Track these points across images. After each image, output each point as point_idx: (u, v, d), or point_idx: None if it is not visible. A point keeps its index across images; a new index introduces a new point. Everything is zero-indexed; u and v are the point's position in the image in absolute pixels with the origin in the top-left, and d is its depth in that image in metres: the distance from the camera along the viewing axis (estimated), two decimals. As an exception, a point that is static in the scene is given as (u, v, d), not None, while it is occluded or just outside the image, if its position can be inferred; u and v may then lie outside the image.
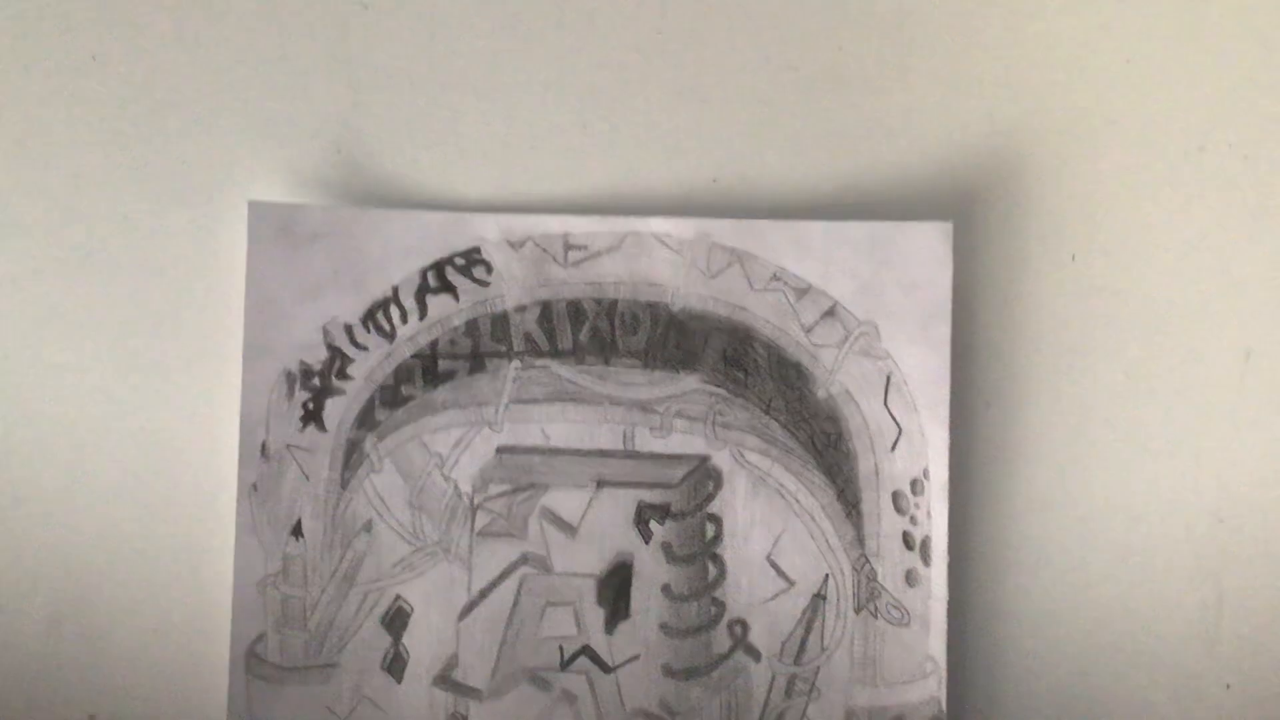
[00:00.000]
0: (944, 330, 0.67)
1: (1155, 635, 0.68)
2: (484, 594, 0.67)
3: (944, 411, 0.67)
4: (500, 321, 0.68)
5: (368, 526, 0.67)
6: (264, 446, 0.67)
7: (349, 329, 0.67)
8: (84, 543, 0.68)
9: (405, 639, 0.67)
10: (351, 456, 0.68)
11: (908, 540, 0.67)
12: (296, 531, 0.67)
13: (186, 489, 0.68)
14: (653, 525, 0.68)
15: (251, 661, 0.66)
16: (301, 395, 0.67)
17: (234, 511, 0.66)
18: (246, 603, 0.66)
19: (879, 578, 0.67)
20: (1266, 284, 0.69)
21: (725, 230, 0.68)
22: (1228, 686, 0.68)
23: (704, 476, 0.68)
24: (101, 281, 0.69)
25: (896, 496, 0.67)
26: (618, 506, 0.68)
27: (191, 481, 0.68)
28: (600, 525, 0.68)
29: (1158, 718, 0.68)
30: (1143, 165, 0.69)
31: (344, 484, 0.67)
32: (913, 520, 0.67)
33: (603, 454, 0.68)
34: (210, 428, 0.68)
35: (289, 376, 0.67)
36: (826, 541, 0.68)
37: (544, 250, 0.68)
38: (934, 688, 0.67)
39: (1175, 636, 0.68)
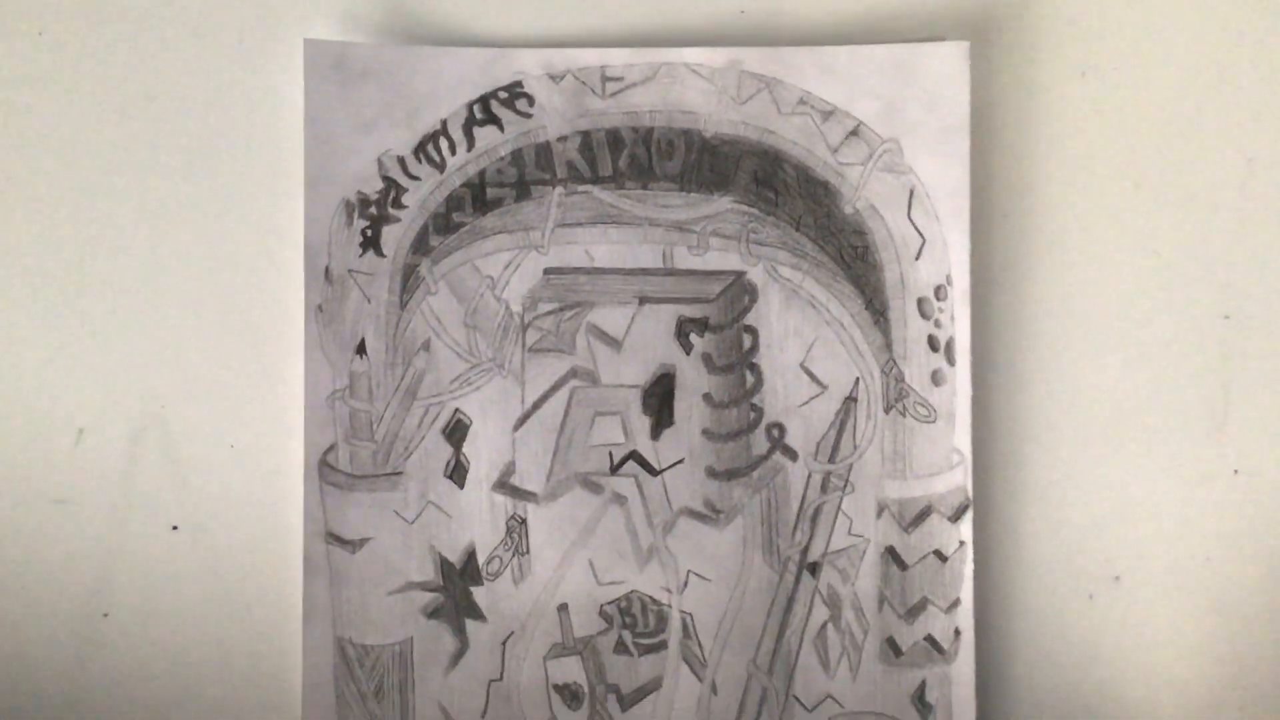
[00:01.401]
0: (963, 145, 0.71)
1: (1166, 424, 0.73)
2: (537, 406, 0.72)
3: (964, 221, 0.71)
4: (543, 151, 0.72)
5: (426, 345, 0.72)
6: (327, 271, 0.71)
7: (402, 160, 0.71)
8: (161, 362, 0.72)
9: (465, 448, 0.72)
10: (409, 280, 0.72)
11: (933, 343, 0.72)
12: (361, 350, 0.71)
13: (257, 311, 0.72)
14: (693, 338, 0.72)
15: (324, 470, 0.71)
16: (360, 223, 0.71)
17: (302, 332, 0.70)
18: (317, 416, 0.71)
19: (906, 379, 0.72)
20: (1267, 96, 0.73)
21: (754, 58, 0.72)
22: (1235, 472, 0.73)
23: (740, 291, 0.72)
24: (167, 119, 0.72)
25: (921, 303, 0.72)
26: (659, 321, 0.72)
27: (261, 304, 0.72)
28: (643, 339, 0.72)
29: (1169, 500, 0.73)
30: (1147, -13, 0.73)
31: (403, 305, 0.72)
32: (937, 324, 0.72)
33: (644, 272, 0.72)
34: (276, 254, 0.72)
35: (348, 205, 0.71)
36: (856, 347, 0.72)
37: (582, 82, 0.72)
38: (960, 478, 0.71)
39: (1184, 426, 0.73)
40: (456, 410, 0.72)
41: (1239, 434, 0.73)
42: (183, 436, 0.72)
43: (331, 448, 0.71)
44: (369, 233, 0.71)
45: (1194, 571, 0.73)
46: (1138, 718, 0.73)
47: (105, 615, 0.72)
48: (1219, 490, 0.73)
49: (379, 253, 0.71)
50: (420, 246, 0.72)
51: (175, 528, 0.72)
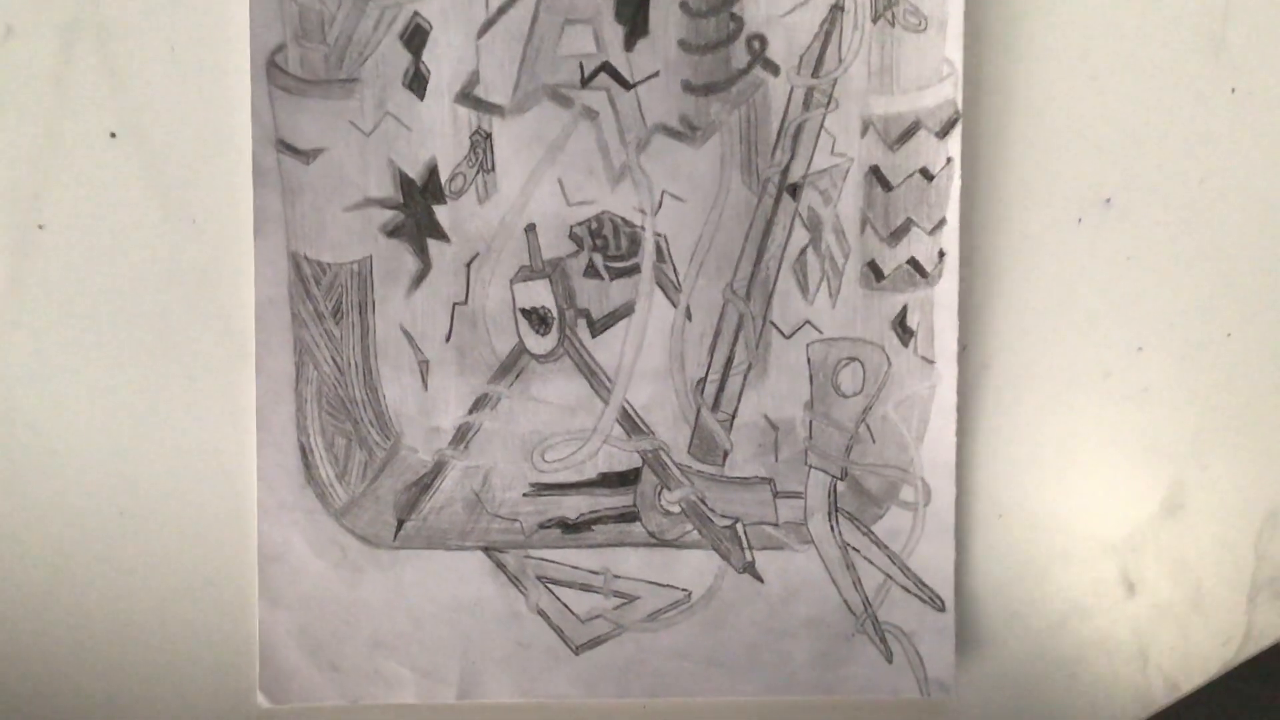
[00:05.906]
0: None
1: (1163, 41, 0.69)
2: (502, 11, 0.67)
3: None
4: None
5: (381, -59, 0.66)
6: None
7: None
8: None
9: (425, 56, 0.67)
10: None
11: (925, -55, 0.67)
12: (309, -58, 0.66)
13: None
14: (669, -60, 0.67)
15: (272, 73, 0.66)
16: None
17: (244, -80, 0.65)
18: (263, 12, 0.65)
19: (896, -15, 0.67)
20: None
21: None
22: (1233, 90, 0.70)
23: (720, -111, 0.67)
24: None
25: (914, -99, 0.67)
26: (634, -79, 0.67)
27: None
28: (617, -60, 0.67)
29: (1164, 119, 0.69)
30: None
31: (354, -105, 0.66)
32: (931, -75, 0.67)
33: None
34: None
35: None
36: (844, -49, 0.67)
37: None
38: (950, 91, 0.68)
39: (1182, 43, 0.69)
40: (415, 13, 0.67)
41: (1238, 51, 0.69)
42: (119, 35, 0.66)
43: (280, 48, 0.66)
44: None
45: (1187, 195, 0.70)
46: (1121, 343, 0.71)
47: (40, 227, 0.67)
48: (1215, 110, 0.70)
49: None
50: None
51: (113, 134, 0.67)
